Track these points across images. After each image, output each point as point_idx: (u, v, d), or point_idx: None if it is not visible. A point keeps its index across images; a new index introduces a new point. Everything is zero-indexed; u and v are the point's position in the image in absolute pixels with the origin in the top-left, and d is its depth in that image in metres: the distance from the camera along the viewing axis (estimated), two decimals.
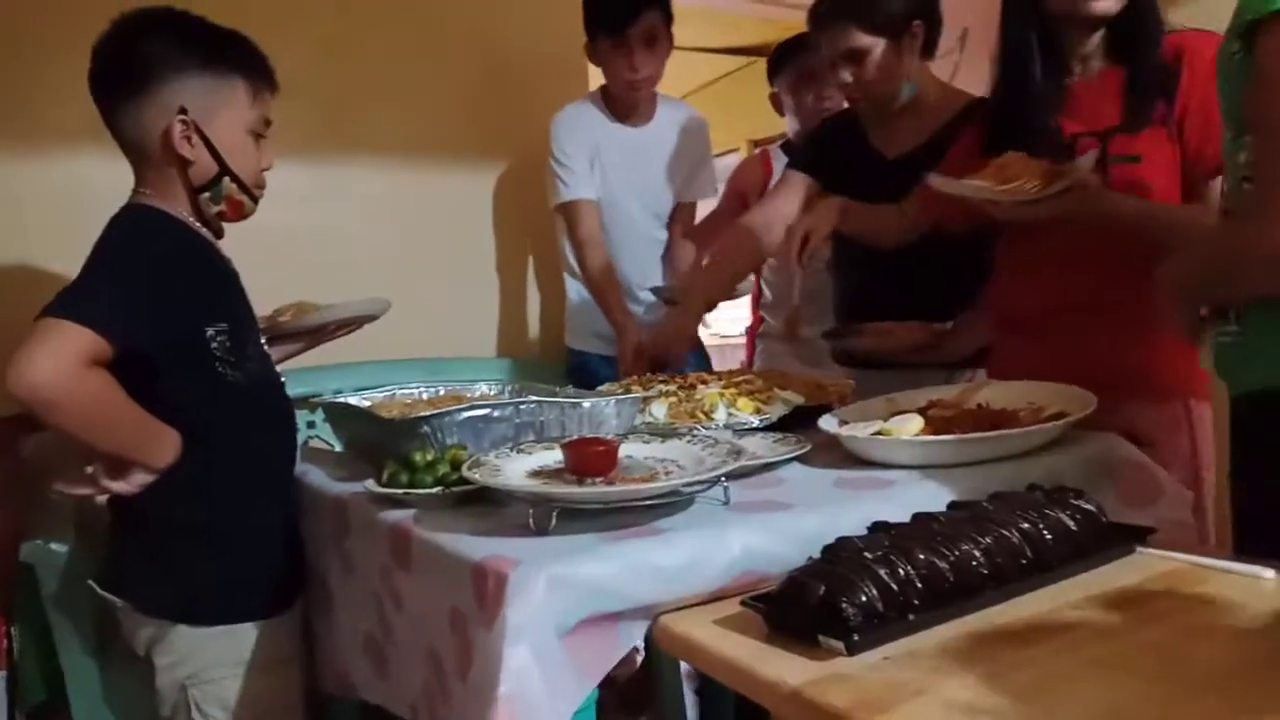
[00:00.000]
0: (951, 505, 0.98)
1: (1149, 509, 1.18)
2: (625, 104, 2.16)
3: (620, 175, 2.18)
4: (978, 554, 0.86)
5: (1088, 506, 0.97)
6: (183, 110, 1.23)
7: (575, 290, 2.32)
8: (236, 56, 1.29)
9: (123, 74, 1.23)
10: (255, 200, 1.34)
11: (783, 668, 0.74)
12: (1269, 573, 0.86)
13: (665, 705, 1.82)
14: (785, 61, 2.33)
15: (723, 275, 1.88)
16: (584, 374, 2.19)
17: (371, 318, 1.65)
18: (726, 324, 4.21)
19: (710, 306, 1.91)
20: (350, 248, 2.24)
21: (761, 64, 2.52)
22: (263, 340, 1.37)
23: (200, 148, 1.25)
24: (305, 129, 2.11)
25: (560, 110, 2.19)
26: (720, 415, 1.39)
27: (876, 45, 1.60)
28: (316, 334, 1.60)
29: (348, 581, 1.22)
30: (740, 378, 1.55)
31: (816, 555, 0.87)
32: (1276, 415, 1.01)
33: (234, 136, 1.28)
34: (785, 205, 1.80)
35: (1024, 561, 0.89)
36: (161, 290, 1.18)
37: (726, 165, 5.32)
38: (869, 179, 1.72)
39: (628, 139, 2.18)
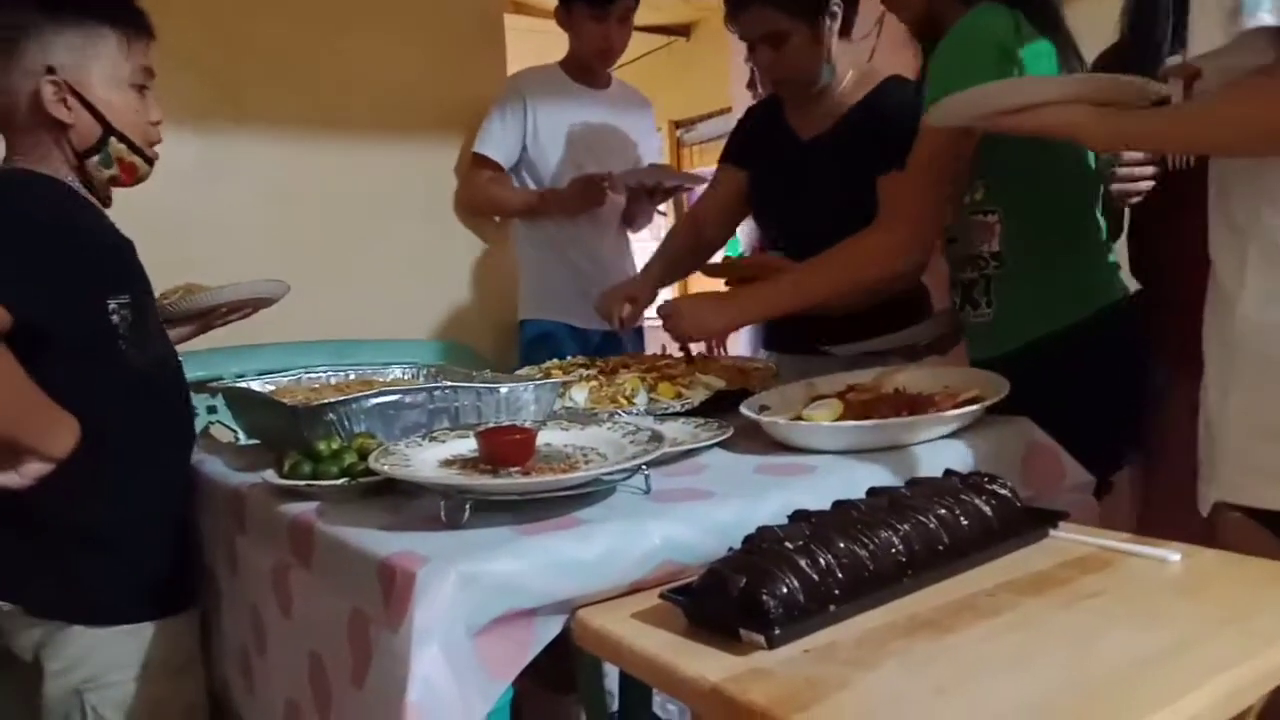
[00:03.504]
0: (870, 491, 0.98)
1: (1053, 490, 1.21)
2: (590, 71, 2.30)
3: (576, 131, 2.28)
4: (896, 541, 0.86)
5: (1002, 491, 0.97)
6: (50, 70, 1.14)
7: (528, 252, 2.33)
8: (100, 3, 1.19)
9: None
10: (150, 161, 1.25)
11: (702, 663, 0.72)
12: (1174, 555, 0.88)
13: (584, 685, 1.80)
14: None
15: (665, 259, 1.89)
16: (547, 345, 2.16)
17: (268, 301, 1.54)
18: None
19: (661, 283, 1.92)
20: (247, 229, 2.11)
21: (681, 43, 2.52)
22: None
23: (79, 109, 1.17)
24: (196, 102, 1.98)
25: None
26: (641, 400, 1.37)
27: (796, 28, 1.58)
28: (206, 318, 1.49)
29: (232, 585, 1.17)
30: (661, 362, 1.53)
31: (737, 545, 0.85)
32: (1014, 374, 1.25)
33: (113, 92, 1.19)
34: (714, 201, 1.86)
35: (941, 548, 0.89)
36: (59, 255, 1.10)
37: None
38: (785, 162, 1.72)
39: (586, 100, 2.31)
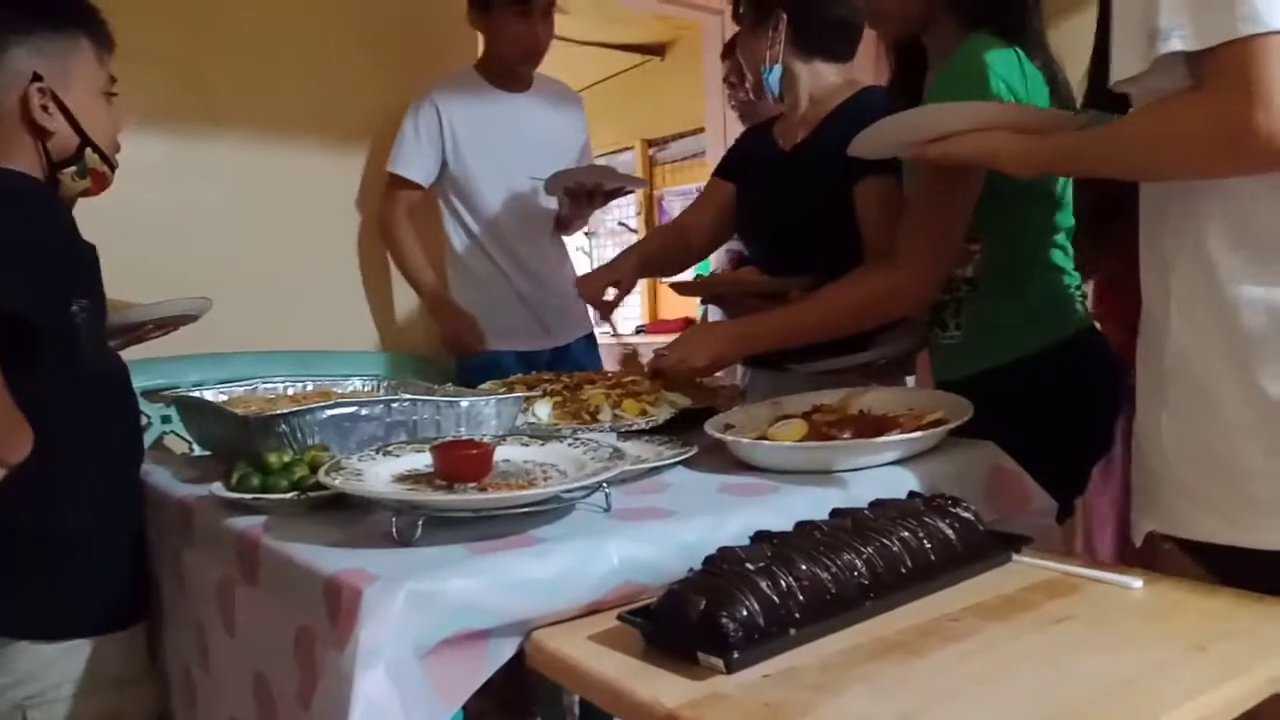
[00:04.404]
0: (834, 513, 0.97)
1: (1018, 515, 1.21)
2: (512, 73, 2.18)
3: (501, 140, 2.17)
4: (859, 564, 0.85)
5: (965, 515, 0.97)
6: (37, 77, 1.14)
7: (460, 283, 2.24)
8: (77, 12, 1.20)
9: None
10: (114, 169, 1.26)
11: (659, 688, 0.70)
12: (1137, 582, 0.87)
13: (545, 706, 1.76)
14: None
15: (644, 253, 1.82)
16: (494, 377, 2.09)
17: (191, 318, 1.53)
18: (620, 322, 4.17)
19: (640, 272, 1.84)
20: (215, 228, 2.09)
21: (655, 62, 2.50)
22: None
23: (58, 117, 1.17)
24: (164, 98, 1.95)
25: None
26: (605, 416, 1.35)
27: (743, 28, 1.66)
28: (131, 333, 1.47)
29: (178, 599, 1.13)
30: (627, 378, 1.51)
31: (698, 565, 0.83)
32: (981, 396, 1.23)
33: (89, 102, 1.21)
34: (702, 212, 1.83)
35: (904, 570, 0.88)
36: (41, 249, 1.09)
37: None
38: (765, 172, 1.73)
39: (508, 105, 2.20)
